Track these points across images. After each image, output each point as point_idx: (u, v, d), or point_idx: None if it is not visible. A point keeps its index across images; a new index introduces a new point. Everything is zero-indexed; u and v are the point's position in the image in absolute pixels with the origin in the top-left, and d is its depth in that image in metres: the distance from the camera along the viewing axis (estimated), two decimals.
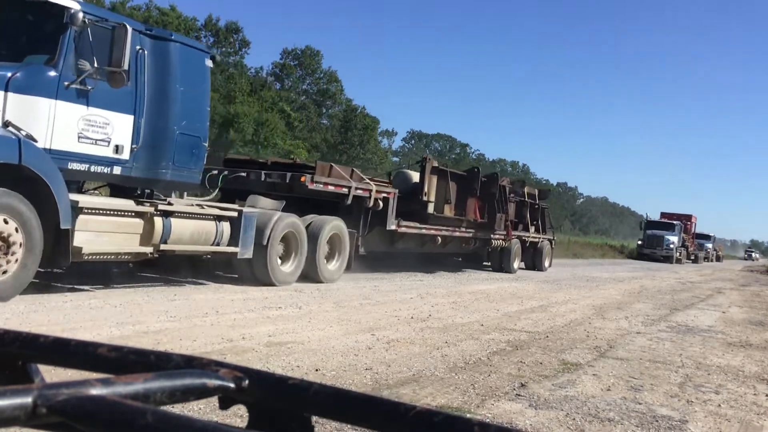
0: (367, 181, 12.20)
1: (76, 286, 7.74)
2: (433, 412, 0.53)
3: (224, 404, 0.62)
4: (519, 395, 4.73)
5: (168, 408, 0.53)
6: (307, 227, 10.52)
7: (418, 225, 13.46)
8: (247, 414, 0.61)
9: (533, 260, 19.73)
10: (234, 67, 51.72)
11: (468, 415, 3.89)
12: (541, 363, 5.94)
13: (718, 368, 6.48)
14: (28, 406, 0.49)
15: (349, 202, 11.38)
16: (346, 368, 5.10)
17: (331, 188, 11.18)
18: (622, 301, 12.57)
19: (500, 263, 17.55)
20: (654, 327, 9.15)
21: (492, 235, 16.39)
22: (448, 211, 14.63)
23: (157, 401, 0.55)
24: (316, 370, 4.96)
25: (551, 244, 21.04)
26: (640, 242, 45.65)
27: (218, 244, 8.93)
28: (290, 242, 10.14)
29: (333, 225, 10.96)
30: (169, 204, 8.28)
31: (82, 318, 6.11)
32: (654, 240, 43.28)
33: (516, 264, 17.93)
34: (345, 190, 11.36)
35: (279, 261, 9.89)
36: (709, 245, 57.82)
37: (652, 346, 7.41)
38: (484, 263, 18.08)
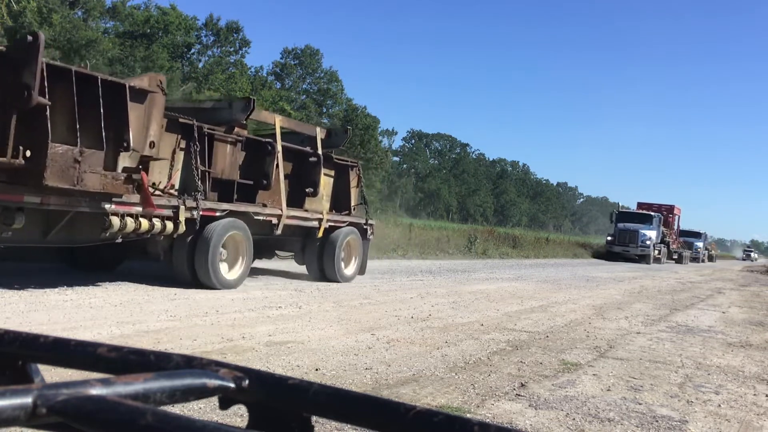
0: None
1: (75, 286, 7.75)
2: (433, 412, 0.53)
3: (224, 404, 0.62)
4: (519, 395, 4.73)
5: (168, 408, 0.53)
6: None
7: None
8: (247, 414, 0.61)
9: (320, 261, 11.07)
10: (234, 67, 51.71)
11: (468, 415, 3.89)
12: (541, 363, 5.94)
13: (718, 368, 6.48)
14: (28, 406, 0.49)
15: None
16: (346, 368, 5.10)
17: None
18: (622, 301, 12.57)
19: (193, 266, 8.70)
20: (654, 327, 9.15)
21: (108, 205, 7.17)
22: None
23: (157, 401, 0.55)
24: (316, 369, 4.97)
25: (365, 233, 11.87)
26: (609, 238, 36.09)
27: None
28: None
29: None
30: None
31: (83, 317, 6.11)
32: (626, 235, 34.56)
33: (231, 273, 9.16)
34: None
35: None
36: (700, 244, 50.17)
37: (652, 346, 7.41)
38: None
